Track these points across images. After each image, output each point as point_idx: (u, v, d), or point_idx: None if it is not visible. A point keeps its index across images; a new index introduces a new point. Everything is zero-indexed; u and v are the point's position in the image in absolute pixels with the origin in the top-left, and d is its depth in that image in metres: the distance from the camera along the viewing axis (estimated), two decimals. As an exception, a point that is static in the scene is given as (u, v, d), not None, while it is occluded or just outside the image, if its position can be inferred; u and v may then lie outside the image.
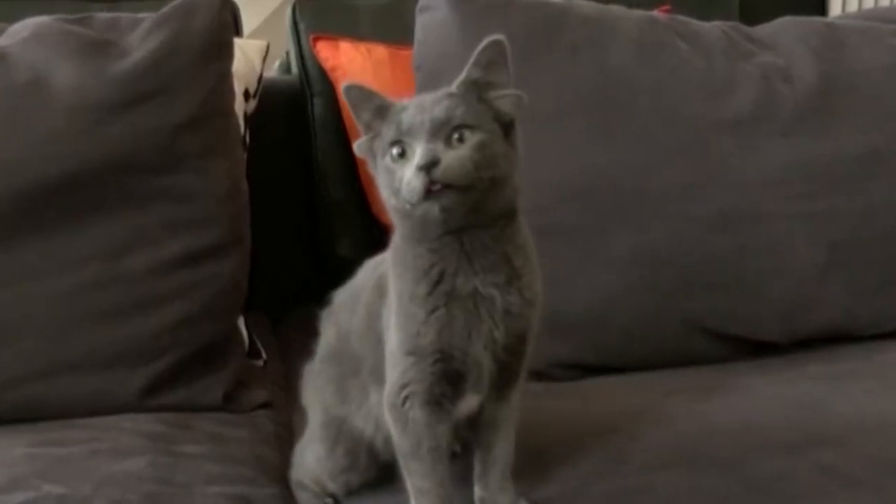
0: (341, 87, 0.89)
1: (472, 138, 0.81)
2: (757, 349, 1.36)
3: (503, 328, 0.86)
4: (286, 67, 2.14)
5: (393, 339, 0.89)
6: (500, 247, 0.86)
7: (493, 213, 0.85)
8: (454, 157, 0.79)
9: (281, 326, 1.71)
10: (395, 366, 0.88)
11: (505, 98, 0.83)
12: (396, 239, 0.89)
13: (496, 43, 0.83)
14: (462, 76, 0.84)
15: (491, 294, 0.85)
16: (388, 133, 0.83)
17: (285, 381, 1.45)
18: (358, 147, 0.88)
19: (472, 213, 0.83)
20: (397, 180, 0.82)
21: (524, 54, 1.35)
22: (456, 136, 0.81)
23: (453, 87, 0.84)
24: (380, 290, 0.91)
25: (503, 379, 0.90)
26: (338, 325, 0.99)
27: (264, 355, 1.49)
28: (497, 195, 0.84)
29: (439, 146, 0.80)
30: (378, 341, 0.91)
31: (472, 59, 0.83)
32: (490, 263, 0.85)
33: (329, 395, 1.00)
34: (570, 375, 1.31)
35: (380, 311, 0.91)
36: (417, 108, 0.82)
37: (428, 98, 0.84)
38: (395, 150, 0.82)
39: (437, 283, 0.85)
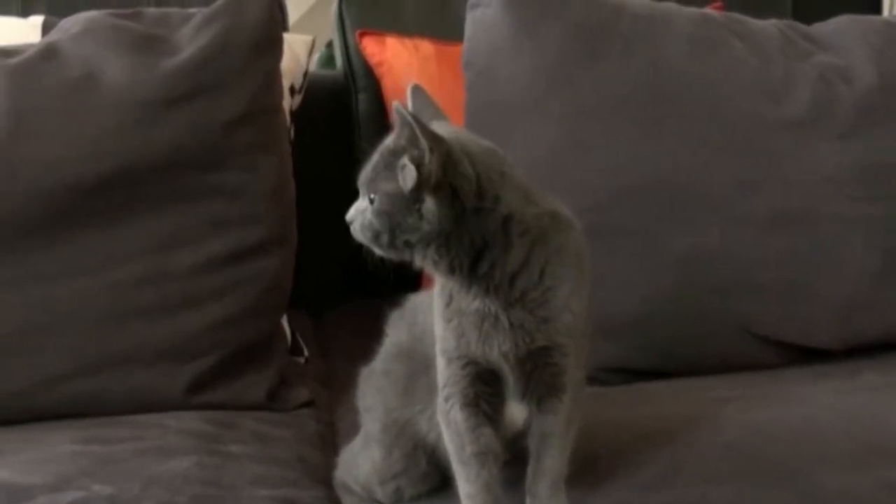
0: (409, 86, 0.90)
1: (376, 204, 0.84)
2: (809, 355, 1.34)
3: (511, 343, 0.87)
4: (325, 60, 2.13)
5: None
6: (492, 274, 0.85)
7: (448, 263, 0.84)
8: (359, 222, 0.85)
9: (320, 323, 1.70)
10: (438, 366, 0.91)
11: (403, 169, 0.82)
12: None
13: (398, 109, 0.82)
14: (395, 132, 0.84)
15: (494, 311, 0.86)
16: None
17: (327, 379, 1.45)
18: None
19: (418, 260, 0.86)
20: None
21: (577, 51, 1.35)
22: (371, 196, 0.85)
23: (390, 141, 0.85)
24: None
25: (540, 391, 0.90)
26: (413, 324, 0.99)
27: (306, 353, 1.48)
28: (429, 251, 0.84)
29: (364, 202, 0.85)
30: None
31: (395, 119, 0.83)
32: (483, 290, 0.86)
33: (393, 396, 0.99)
34: (618, 379, 1.29)
35: None
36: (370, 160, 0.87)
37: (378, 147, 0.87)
38: None
39: (449, 301, 0.88)
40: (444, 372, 0.90)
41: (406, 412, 0.98)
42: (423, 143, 0.81)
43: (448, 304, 0.88)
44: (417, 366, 0.97)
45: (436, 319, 0.91)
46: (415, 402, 0.97)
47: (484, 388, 0.89)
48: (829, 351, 1.34)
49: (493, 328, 0.86)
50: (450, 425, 0.90)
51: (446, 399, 0.90)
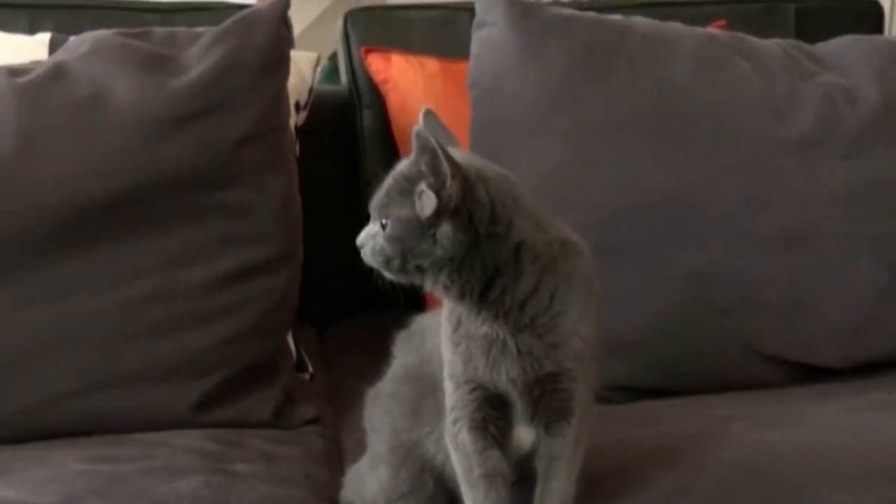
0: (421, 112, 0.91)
1: (388, 229, 0.84)
2: (814, 374, 1.34)
3: (519, 369, 0.87)
4: (328, 73, 2.13)
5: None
6: (502, 299, 0.86)
7: (459, 288, 0.85)
8: (370, 247, 0.86)
9: (325, 338, 1.71)
10: (446, 390, 0.92)
11: (421, 195, 0.83)
12: None
13: (420, 134, 0.82)
14: (411, 158, 0.85)
15: (503, 337, 0.87)
16: None
17: (332, 396, 1.45)
18: None
19: (428, 285, 0.86)
20: None
21: (583, 70, 1.35)
22: (384, 221, 0.85)
23: (404, 166, 0.85)
24: None
25: (548, 415, 0.90)
26: (421, 346, 1.00)
27: (311, 369, 1.48)
28: (441, 276, 0.85)
29: (376, 226, 0.86)
30: None
31: (415, 144, 0.83)
32: (492, 315, 0.87)
33: (401, 418, 0.99)
34: (623, 397, 1.30)
35: None
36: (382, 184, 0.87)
37: (391, 173, 0.87)
38: None
39: (458, 325, 0.89)
40: (451, 396, 0.91)
41: (413, 434, 0.98)
42: (446, 169, 0.81)
43: (456, 329, 0.89)
44: (425, 387, 0.97)
45: (443, 343, 0.91)
46: (422, 424, 0.98)
47: (492, 413, 0.90)
48: (834, 369, 1.34)
49: (501, 354, 0.87)
50: (458, 448, 0.91)
51: (454, 422, 0.91)
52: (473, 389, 0.89)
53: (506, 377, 0.87)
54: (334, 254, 1.74)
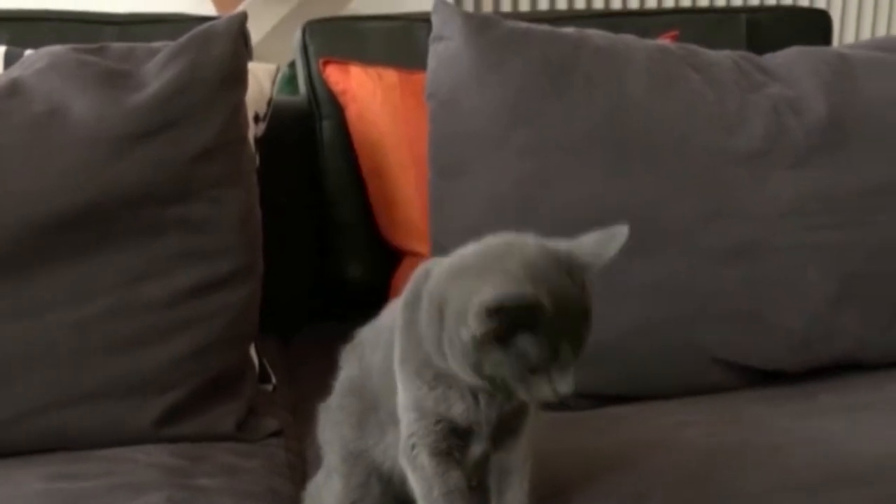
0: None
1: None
2: (768, 378, 1.37)
3: (498, 408, 0.89)
4: (286, 81, 2.14)
5: (400, 393, 0.92)
6: None
7: None
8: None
9: (288, 349, 1.71)
10: (403, 417, 0.92)
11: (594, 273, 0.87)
12: (408, 304, 0.90)
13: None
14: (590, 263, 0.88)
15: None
16: (534, 348, 0.81)
17: (295, 407, 1.45)
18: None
19: None
20: (515, 377, 0.83)
21: (539, 86, 1.36)
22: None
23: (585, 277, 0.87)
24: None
25: (504, 433, 0.93)
26: (361, 360, 1.00)
27: (274, 380, 1.48)
28: None
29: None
30: (394, 385, 0.93)
31: (595, 248, 0.88)
32: None
33: (348, 428, 1.00)
34: (583, 405, 1.31)
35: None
36: (565, 330, 0.82)
37: (573, 312, 0.84)
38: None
39: (436, 372, 0.89)
40: (413, 424, 0.91)
41: (361, 443, 0.99)
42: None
43: (435, 375, 0.89)
44: (366, 403, 0.98)
45: (406, 377, 0.91)
46: (368, 436, 0.99)
47: (455, 441, 0.91)
48: (787, 373, 1.36)
49: (486, 402, 0.88)
50: (416, 469, 0.92)
51: (412, 447, 0.91)
52: (439, 422, 0.90)
53: (484, 417, 0.89)
54: (295, 264, 1.76)
